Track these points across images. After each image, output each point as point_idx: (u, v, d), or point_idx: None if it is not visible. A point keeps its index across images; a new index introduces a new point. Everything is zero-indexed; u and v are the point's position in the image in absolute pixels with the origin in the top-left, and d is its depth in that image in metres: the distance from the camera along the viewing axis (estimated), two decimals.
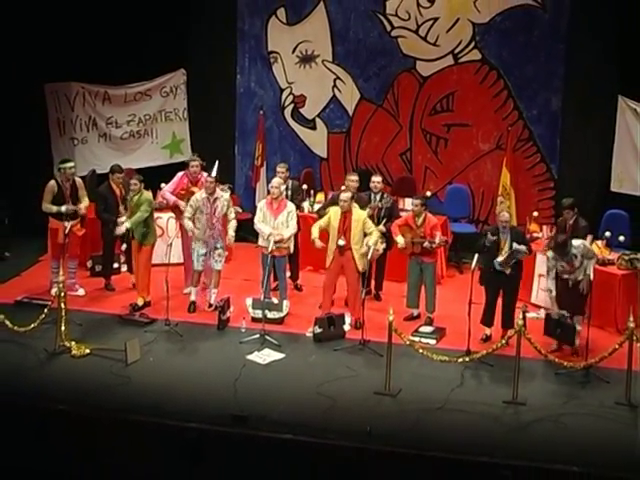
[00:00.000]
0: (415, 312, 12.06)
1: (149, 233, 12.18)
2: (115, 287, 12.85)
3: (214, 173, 12.24)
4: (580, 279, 10.84)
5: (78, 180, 12.50)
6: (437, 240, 11.59)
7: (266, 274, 11.73)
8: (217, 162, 12.64)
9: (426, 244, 11.65)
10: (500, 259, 11.04)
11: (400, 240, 11.79)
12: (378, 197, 12.50)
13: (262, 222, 11.91)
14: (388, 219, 12.24)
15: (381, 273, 12.73)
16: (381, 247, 11.94)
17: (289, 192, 12.91)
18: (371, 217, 12.11)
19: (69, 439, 9.44)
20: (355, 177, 12.61)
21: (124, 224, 12.05)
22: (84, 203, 12.42)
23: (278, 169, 13.03)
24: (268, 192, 12.42)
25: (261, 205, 12.12)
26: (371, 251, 11.47)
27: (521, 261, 11.25)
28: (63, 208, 12.21)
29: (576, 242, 10.91)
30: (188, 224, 12.00)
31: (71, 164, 12.44)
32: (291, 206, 12.07)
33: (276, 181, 12.14)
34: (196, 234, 11.98)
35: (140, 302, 12.13)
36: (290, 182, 13.09)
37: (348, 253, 11.61)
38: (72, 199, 12.29)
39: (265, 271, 11.79)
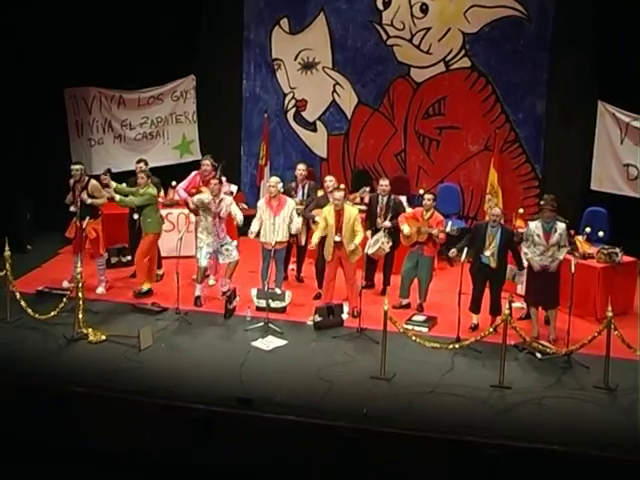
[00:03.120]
0: (404, 301, 12.05)
1: (151, 223, 12.15)
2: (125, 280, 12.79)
3: (218, 175, 12.24)
4: (549, 264, 10.83)
5: (92, 183, 12.16)
6: (448, 229, 11.55)
7: (267, 267, 11.81)
8: (221, 165, 12.65)
9: (435, 231, 11.59)
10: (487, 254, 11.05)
11: (406, 228, 11.76)
12: (385, 199, 12.39)
13: (257, 221, 11.90)
14: (394, 216, 12.18)
15: (389, 269, 12.57)
16: (387, 246, 11.91)
17: (305, 190, 12.83)
18: (367, 205, 12.32)
19: (85, 418, 9.46)
20: (331, 178, 12.53)
21: (115, 194, 12.11)
22: (92, 200, 12.09)
23: (300, 166, 12.94)
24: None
25: (260, 204, 12.05)
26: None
27: (506, 255, 11.26)
28: (72, 208, 12.18)
29: (563, 224, 10.94)
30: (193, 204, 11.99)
31: (76, 167, 12.12)
32: (292, 201, 12.02)
33: (274, 179, 12.02)
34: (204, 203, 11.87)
35: (145, 287, 12.12)
36: (308, 182, 12.94)
37: (344, 247, 11.62)
38: (81, 203, 12.11)
39: (266, 264, 11.87)
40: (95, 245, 12.27)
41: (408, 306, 12.02)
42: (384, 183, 12.45)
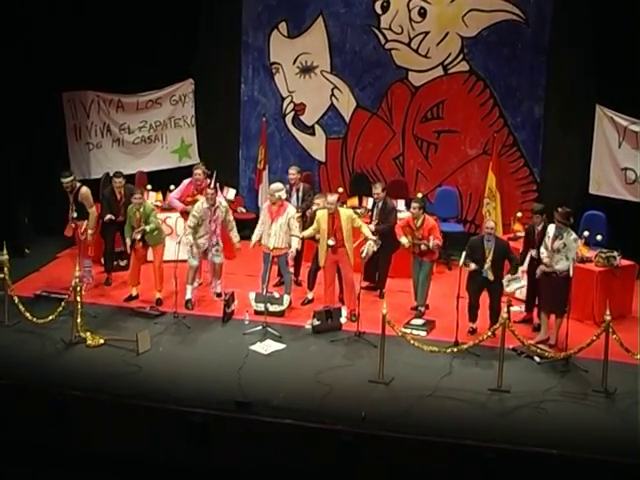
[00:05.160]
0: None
1: (159, 235, 12.18)
2: (112, 282, 12.76)
3: (212, 184, 12.23)
4: (555, 269, 10.84)
5: (81, 192, 12.22)
6: (430, 244, 11.61)
7: (266, 270, 11.74)
8: (215, 172, 12.61)
9: (422, 246, 11.67)
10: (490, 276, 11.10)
11: (404, 241, 11.80)
12: (380, 204, 12.43)
13: (260, 225, 11.89)
14: (380, 222, 12.24)
15: (385, 272, 12.54)
16: (372, 248, 11.87)
17: (300, 194, 12.84)
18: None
19: (84, 422, 9.46)
20: (319, 201, 12.26)
21: (139, 232, 11.95)
22: (90, 218, 12.22)
23: (290, 171, 12.93)
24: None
25: (264, 206, 12.10)
26: (368, 244, 11.50)
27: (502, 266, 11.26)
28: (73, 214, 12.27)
29: (574, 235, 10.95)
30: (188, 239, 11.85)
31: (65, 180, 12.17)
32: (292, 209, 11.97)
33: (274, 186, 11.99)
34: (194, 248, 11.92)
35: (160, 296, 12.14)
36: (302, 185, 12.95)
37: (341, 250, 11.62)
38: (77, 208, 12.20)
39: (265, 267, 11.83)
40: (84, 247, 12.22)
41: (427, 307, 12.05)
42: (376, 191, 12.51)
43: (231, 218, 12.21)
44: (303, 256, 12.94)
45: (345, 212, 11.74)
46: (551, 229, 10.98)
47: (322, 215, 11.69)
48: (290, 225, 11.82)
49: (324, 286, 11.94)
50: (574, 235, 10.98)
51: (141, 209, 12.03)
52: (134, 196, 12.12)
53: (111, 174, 13.93)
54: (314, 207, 12.21)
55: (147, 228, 11.99)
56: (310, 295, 12.32)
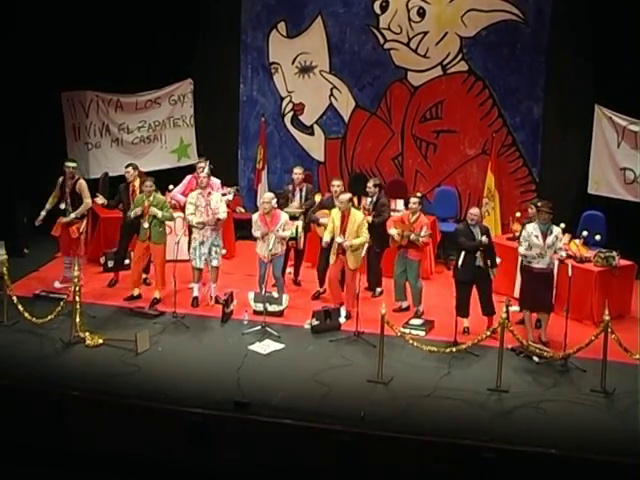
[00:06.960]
0: (404, 304, 12.05)
1: (162, 232, 12.13)
2: (118, 284, 12.73)
3: (207, 169, 12.25)
4: (546, 266, 10.86)
5: (80, 183, 12.29)
6: (422, 233, 11.56)
7: (263, 275, 11.75)
8: (208, 161, 12.71)
9: (413, 236, 11.60)
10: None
11: (393, 232, 11.75)
12: (374, 199, 12.49)
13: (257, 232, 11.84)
14: (374, 216, 12.32)
15: (378, 271, 12.59)
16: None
17: (303, 194, 12.84)
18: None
19: (83, 422, 9.46)
20: (338, 182, 12.46)
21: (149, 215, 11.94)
22: (81, 207, 12.27)
23: (296, 170, 12.92)
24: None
25: (255, 219, 11.91)
26: (359, 256, 11.52)
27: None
28: (62, 205, 12.29)
29: (558, 228, 11.00)
30: (191, 218, 11.94)
31: (71, 164, 12.34)
32: (285, 216, 11.92)
33: (267, 196, 11.95)
34: (197, 224, 11.89)
35: (158, 295, 12.13)
36: (305, 186, 12.97)
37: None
38: (72, 198, 12.24)
39: (261, 272, 11.83)
40: (77, 245, 12.24)
41: (407, 309, 12.02)
42: (368, 185, 12.61)
43: (224, 208, 12.14)
44: (303, 256, 12.96)
45: (356, 214, 11.68)
46: (534, 228, 10.87)
47: (335, 214, 11.68)
48: (285, 226, 11.79)
49: (329, 285, 11.94)
50: (557, 227, 11.01)
51: (151, 197, 11.99)
52: (145, 184, 12.09)
53: (110, 174, 13.98)
54: (334, 189, 12.28)
55: (160, 214, 11.91)
56: (321, 289, 12.34)
